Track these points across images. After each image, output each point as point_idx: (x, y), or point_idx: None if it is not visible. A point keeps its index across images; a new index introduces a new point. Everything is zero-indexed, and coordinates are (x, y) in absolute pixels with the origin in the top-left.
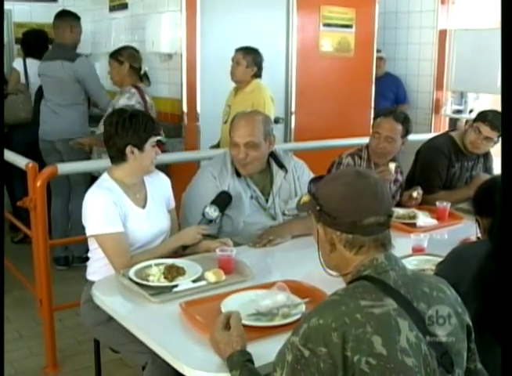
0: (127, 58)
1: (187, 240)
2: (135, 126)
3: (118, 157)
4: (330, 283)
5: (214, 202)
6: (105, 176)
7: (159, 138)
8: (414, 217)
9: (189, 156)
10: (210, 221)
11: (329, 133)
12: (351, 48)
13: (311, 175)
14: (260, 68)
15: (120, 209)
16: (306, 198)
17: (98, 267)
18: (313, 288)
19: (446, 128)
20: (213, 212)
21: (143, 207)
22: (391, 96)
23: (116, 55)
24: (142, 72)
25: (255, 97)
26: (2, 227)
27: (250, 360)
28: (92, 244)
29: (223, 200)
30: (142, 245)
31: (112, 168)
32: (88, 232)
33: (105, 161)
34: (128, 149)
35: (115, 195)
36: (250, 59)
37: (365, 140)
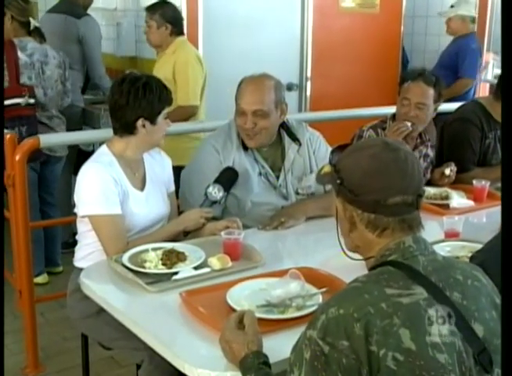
0: (10, 9)
1: (189, 224)
2: (149, 96)
3: (125, 130)
4: (351, 271)
5: (217, 180)
6: (104, 150)
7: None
8: (447, 197)
9: (189, 127)
10: (214, 202)
11: (350, 101)
12: (376, 4)
13: (329, 149)
14: (176, 24)
15: (120, 188)
16: (327, 169)
17: (87, 253)
18: (331, 277)
19: None
20: (217, 192)
21: (141, 189)
22: (450, 67)
23: None
24: (31, 27)
25: (177, 57)
26: (2, 225)
27: (267, 363)
28: (82, 227)
29: (228, 178)
30: (139, 231)
31: (113, 139)
32: (82, 212)
33: (94, 133)
34: (140, 122)
35: (115, 172)
36: (158, 18)
37: (391, 109)
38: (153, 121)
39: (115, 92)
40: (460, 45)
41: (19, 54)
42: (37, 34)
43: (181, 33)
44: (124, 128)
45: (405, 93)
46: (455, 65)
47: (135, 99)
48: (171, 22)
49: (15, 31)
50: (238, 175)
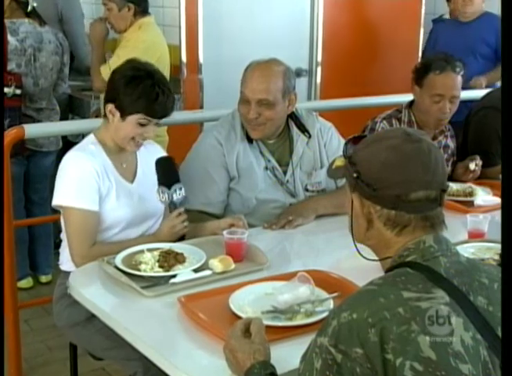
0: None
1: (165, 238)
2: (135, 89)
3: (104, 109)
4: (365, 274)
5: (159, 182)
6: (91, 138)
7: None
8: (471, 194)
9: (189, 116)
10: (171, 204)
11: (364, 89)
12: None
13: (342, 141)
14: (140, 2)
15: (102, 182)
16: (340, 162)
17: None
18: (343, 280)
19: None
20: (161, 195)
21: (131, 181)
22: (487, 53)
23: None
24: (29, 8)
25: (127, 42)
26: (2, 224)
27: (274, 374)
28: None
29: (163, 171)
30: (125, 227)
31: (101, 126)
32: (55, 201)
33: (83, 122)
34: (109, 106)
35: (100, 163)
36: None
37: (408, 97)
38: (122, 115)
39: (117, 68)
40: (498, 25)
41: (9, 38)
42: (36, 16)
43: (145, 12)
44: (104, 106)
45: (435, 89)
46: (495, 50)
47: (118, 82)
48: (133, 1)
49: (10, 12)
50: (169, 158)
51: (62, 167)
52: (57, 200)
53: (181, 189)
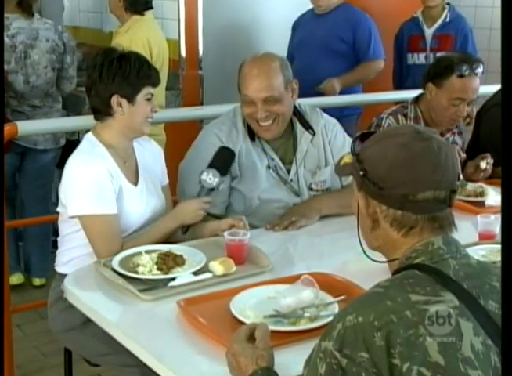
0: None
1: (186, 218)
2: (125, 70)
3: (102, 111)
4: (371, 277)
5: (212, 164)
6: (91, 139)
7: (147, 93)
8: (482, 194)
9: (188, 113)
10: (211, 189)
11: (370, 84)
12: None
13: (347, 138)
14: (134, 3)
15: (116, 183)
16: (348, 159)
17: (72, 257)
18: (348, 283)
19: None
20: (212, 178)
21: (135, 183)
22: (343, 50)
23: None
24: None
25: (132, 37)
26: (3, 224)
27: None
28: (68, 228)
29: (223, 160)
30: (134, 231)
31: (97, 126)
32: (73, 211)
33: (78, 119)
34: (114, 99)
35: (111, 164)
36: None
37: (416, 92)
38: (130, 100)
39: (89, 67)
40: (353, 18)
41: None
42: (27, 7)
43: (139, 13)
44: (100, 107)
45: (456, 92)
46: (352, 47)
47: (108, 72)
48: None
49: (5, 2)
50: (234, 154)
51: (71, 174)
52: (77, 211)
53: (223, 182)
